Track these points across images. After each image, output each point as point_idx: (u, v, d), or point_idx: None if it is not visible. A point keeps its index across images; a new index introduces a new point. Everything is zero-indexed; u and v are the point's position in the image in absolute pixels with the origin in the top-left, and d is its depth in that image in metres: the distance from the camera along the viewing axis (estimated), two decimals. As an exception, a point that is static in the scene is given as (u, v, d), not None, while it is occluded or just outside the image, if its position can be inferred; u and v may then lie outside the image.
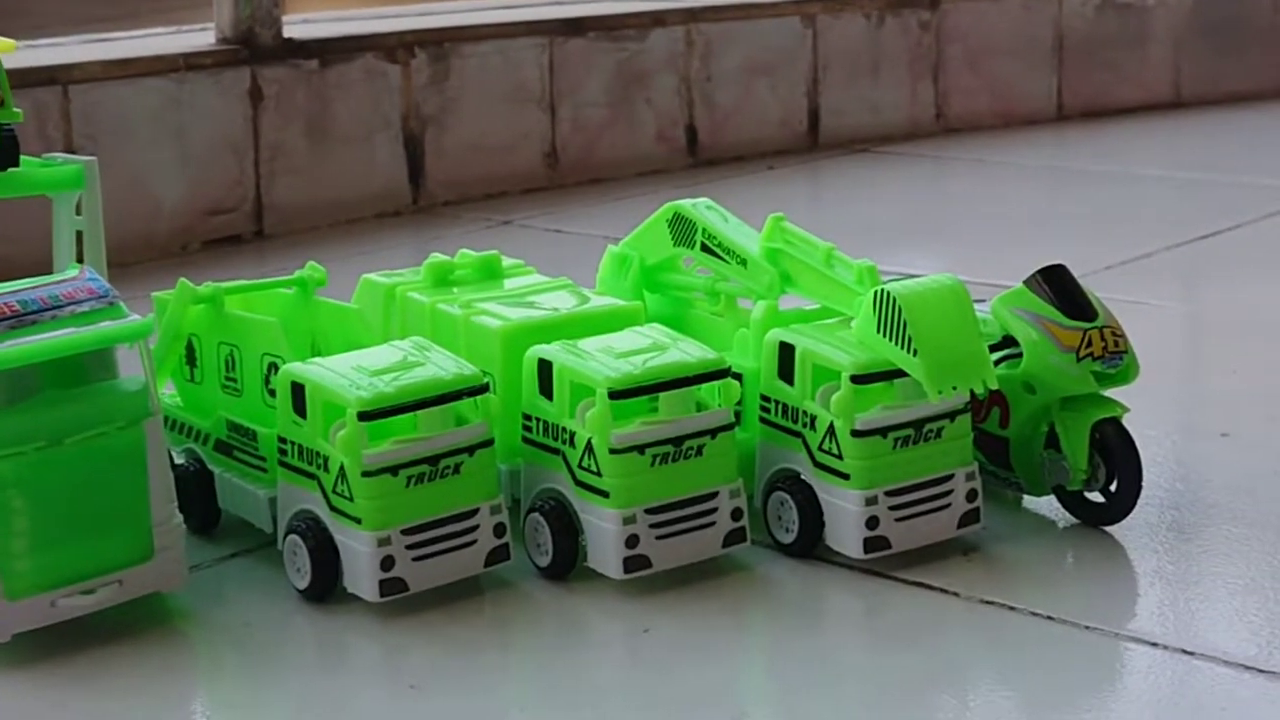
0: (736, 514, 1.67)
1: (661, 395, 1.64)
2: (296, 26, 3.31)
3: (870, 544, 1.66)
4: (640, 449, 1.61)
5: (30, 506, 1.51)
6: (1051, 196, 3.59)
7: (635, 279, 1.95)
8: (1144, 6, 4.38)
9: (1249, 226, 3.16)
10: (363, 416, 1.56)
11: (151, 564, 1.57)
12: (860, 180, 3.73)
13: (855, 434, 1.65)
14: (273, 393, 1.68)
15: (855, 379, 1.64)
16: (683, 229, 1.90)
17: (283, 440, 1.63)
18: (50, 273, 1.62)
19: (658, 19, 3.73)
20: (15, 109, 1.65)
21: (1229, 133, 4.14)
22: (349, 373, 1.60)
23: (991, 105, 4.20)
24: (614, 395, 1.60)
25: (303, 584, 1.62)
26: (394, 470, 1.57)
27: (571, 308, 1.80)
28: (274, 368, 1.70)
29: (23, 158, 1.72)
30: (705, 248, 1.87)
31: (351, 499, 1.57)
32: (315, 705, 1.48)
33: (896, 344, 1.63)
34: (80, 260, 1.71)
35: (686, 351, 1.67)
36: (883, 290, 1.65)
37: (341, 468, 1.57)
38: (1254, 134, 4.13)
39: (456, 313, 1.79)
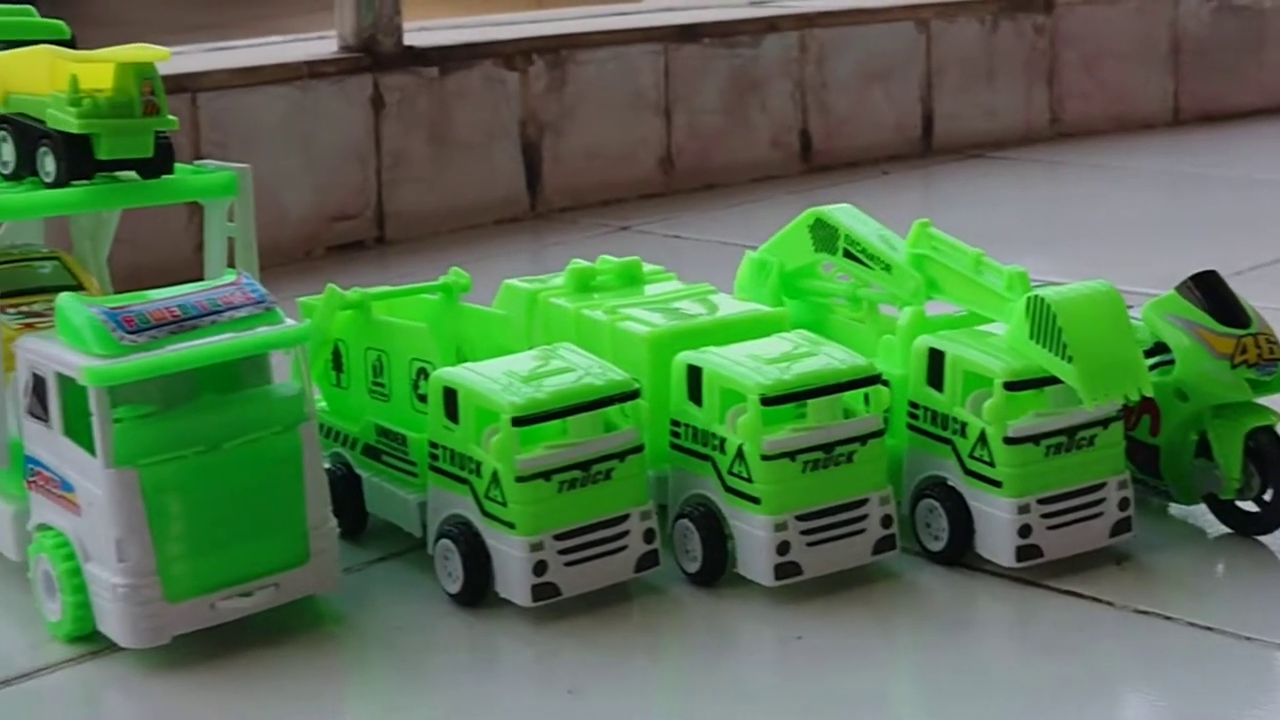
0: (886, 521, 1.66)
1: (810, 402, 1.63)
2: (416, 34, 3.33)
3: (1023, 552, 1.65)
4: (792, 455, 1.61)
5: (188, 510, 1.53)
6: (1171, 202, 3.55)
7: (775, 285, 1.94)
8: (1261, 9, 4.32)
9: (1377, 232, 3.11)
10: (516, 422, 1.56)
11: (307, 567, 1.59)
12: (975, 185, 3.71)
13: (1008, 441, 1.63)
14: (422, 398, 1.69)
15: (1009, 385, 1.63)
16: (824, 235, 1.89)
17: (434, 445, 1.64)
18: (190, 280, 1.64)
19: (771, 25, 3.72)
20: (170, 116, 1.67)
21: (1348, 136, 4.09)
22: (501, 378, 1.60)
23: (1107, 110, 4.16)
24: (766, 401, 1.60)
25: (454, 588, 1.63)
26: (547, 475, 1.58)
27: (717, 313, 1.80)
28: (423, 373, 1.71)
29: (176, 165, 1.74)
30: (848, 253, 1.87)
31: (505, 504, 1.58)
32: (469, 708, 1.49)
33: (1051, 350, 1.62)
34: (232, 266, 1.73)
35: (835, 358, 1.66)
36: (1037, 296, 1.63)
37: (494, 473, 1.58)
38: (1375, 137, 4.08)
39: (602, 319, 1.79)
